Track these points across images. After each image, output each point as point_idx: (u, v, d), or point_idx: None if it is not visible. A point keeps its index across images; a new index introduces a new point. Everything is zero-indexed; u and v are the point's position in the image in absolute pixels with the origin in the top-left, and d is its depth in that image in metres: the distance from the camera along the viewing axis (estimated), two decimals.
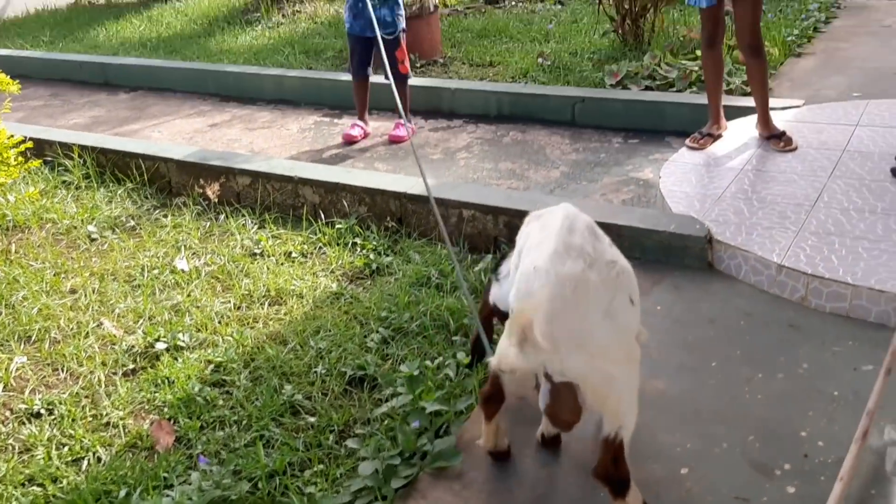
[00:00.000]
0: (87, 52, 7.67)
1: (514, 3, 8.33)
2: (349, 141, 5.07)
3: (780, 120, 4.18)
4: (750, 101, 4.51)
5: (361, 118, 5.17)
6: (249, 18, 8.18)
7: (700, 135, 4.06)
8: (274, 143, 5.24)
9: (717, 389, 2.37)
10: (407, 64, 4.98)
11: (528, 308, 1.74)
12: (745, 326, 2.68)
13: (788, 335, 2.60)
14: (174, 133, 5.57)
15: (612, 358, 1.79)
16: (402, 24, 4.91)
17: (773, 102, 4.52)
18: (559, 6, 8.04)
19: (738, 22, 3.87)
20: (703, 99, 4.69)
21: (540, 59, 6.17)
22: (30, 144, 3.94)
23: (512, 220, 3.46)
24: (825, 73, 5.24)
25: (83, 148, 4.64)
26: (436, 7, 6.54)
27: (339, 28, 7.60)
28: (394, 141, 5.04)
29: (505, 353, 1.78)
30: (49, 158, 4.69)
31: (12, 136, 3.68)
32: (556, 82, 5.59)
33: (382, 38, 4.20)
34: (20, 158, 3.76)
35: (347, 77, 5.89)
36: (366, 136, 5.15)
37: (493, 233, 3.53)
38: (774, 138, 3.91)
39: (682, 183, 3.59)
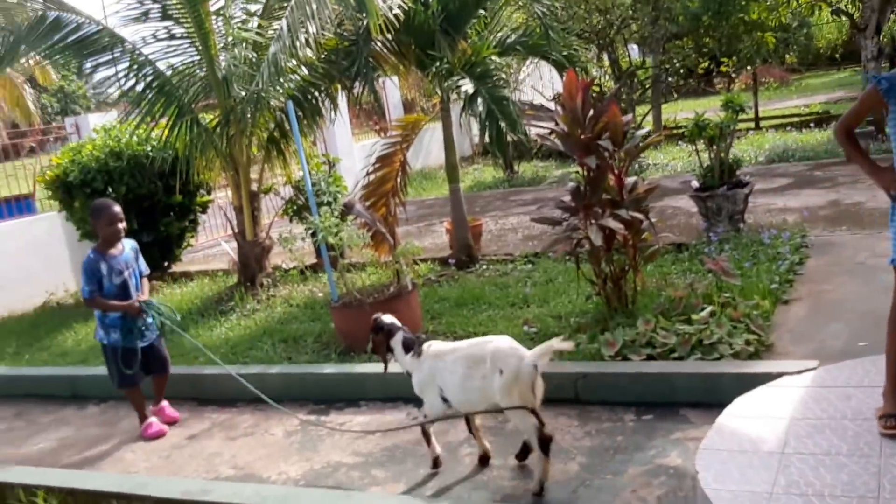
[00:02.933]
0: (54, 360, 7.37)
1: (484, 266, 8.41)
2: (158, 436, 5.39)
3: (797, 386, 3.98)
4: (755, 368, 4.35)
5: (146, 417, 5.52)
6: (223, 308, 8.07)
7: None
8: (259, 453, 4.83)
9: None
10: None
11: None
12: None
13: None
14: (149, 451, 5.14)
15: None
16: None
17: (784, 365, 4.36)
18: (530, 266, 8.12)
19: None
20: (712, 367, 4.53)
21: (525, 327, 6.04)
22: None
23: None
24: (820, 320, 5.15)
25: (49, 490, 4.19)
26: (414, 285, 6.50)
27: (316, 310, 7.49)
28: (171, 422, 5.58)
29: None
30: None
31: None
32: None
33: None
34: None
35: (331, 369, 5.67)
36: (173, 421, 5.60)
37: None
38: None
39: (724, 478, 3.26)
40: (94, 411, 6.18)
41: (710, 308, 5.17)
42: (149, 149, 9.26)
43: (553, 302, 6.63)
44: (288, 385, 5.65)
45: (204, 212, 10.37)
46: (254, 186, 8.64)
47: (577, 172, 5.90)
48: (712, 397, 4.36)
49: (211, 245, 11.61)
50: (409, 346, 4.20)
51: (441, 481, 4.10)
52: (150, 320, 5.38)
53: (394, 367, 4.39)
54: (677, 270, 6.91)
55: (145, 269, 5.55)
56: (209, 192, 10.24)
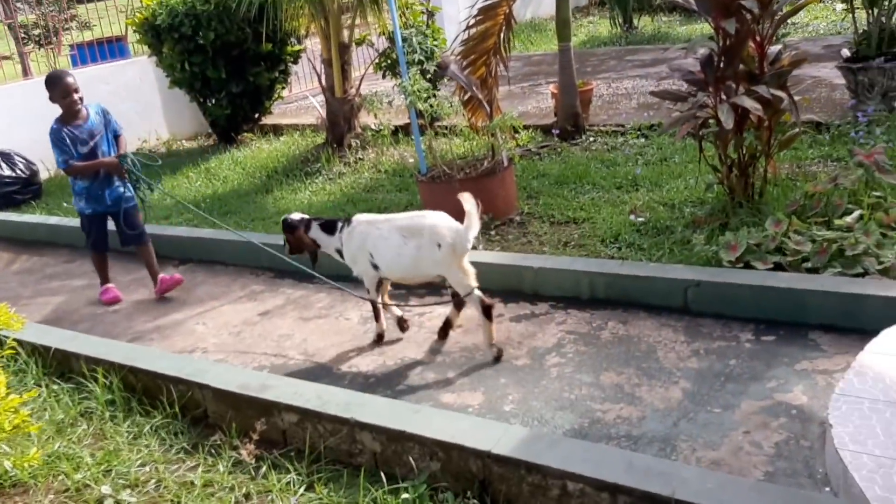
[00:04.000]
0: None
1: (591, 137, 7.63)
2: (113, 303, 5.53)
3: None
4: None
5: (107, 282, 5.66)
6: (309, 170, 7.67)
7: None
8: (331, 340, 4.51)
9: None
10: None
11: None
12: None
13: None
14: (220, 325, 4.91)
15: None
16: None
17: None
18: (643, 140, 7.30)
19: None
20: (854, 285, 3.80)
21: (632, 216, 5.38)
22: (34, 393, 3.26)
23: None
24: None
25: (111, 365, 4.00)
26: (510, 161, 5.87)
27: (405, 178, 7.01)
28: (167, 288, 5.49)
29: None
30: (73, 378, 4.08)
31: (8, 394, 3.01)
32: (656, 250, 4.76)
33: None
34: (23, 414, 3.06)
35: None
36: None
37: None
38: None
39: (866, 438, 2.66)
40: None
41: (858, 211, 4.36)
42: None
43: (667, 186, 5.89)
44: None
45: (295, 62, 9.83)
46: (345, 37, 7.98)
47: (711, 37, 4.96)
48: (851, 322, 3.70)
49: (304, 97, 11.14)
50: (330, 228, 4.33)
51: (521, 395, 3.65)
52: (119, 187, 5.41)
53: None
54: (815, 156, 6.01)
55: (119, 129, 5.49)
56: (300, 42, 9.66)
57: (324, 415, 3.28)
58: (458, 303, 4.07)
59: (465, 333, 4.32)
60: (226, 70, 8.88)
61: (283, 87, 10.02)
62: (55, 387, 4.04)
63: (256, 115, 9.84)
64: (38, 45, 16.42)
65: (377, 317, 4.35)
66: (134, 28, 9.30)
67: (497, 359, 3.98)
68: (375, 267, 4.14)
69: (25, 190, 8.24)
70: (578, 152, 7.20)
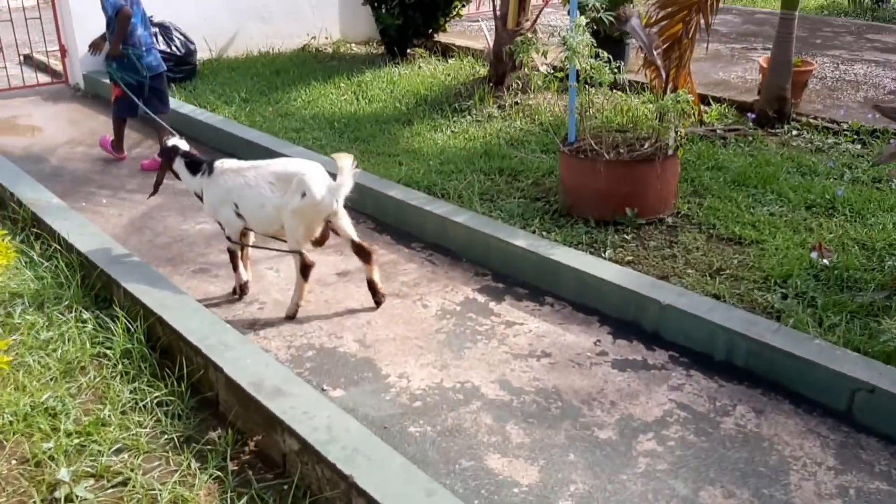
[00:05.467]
0: (273, 121, 6.77)
1: (794, 130, 6.26)
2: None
3: None
4: None
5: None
6: (458, 106, 6.84)
7: None
8: (396, 330, 3.80)
9: None
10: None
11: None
12: None
13: None
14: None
15: None
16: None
17: None
18: (859, 146, 5.87)
19: None
20: None
21: (814, 254, 4.19)
22: None
23: None
24: None
25: (142, 307, 3.52)
26: (676, 149, 4.76)
27: (559, 135, 6.03)
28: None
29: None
30: (106, 309, 3.65)
31: None
32: (833, 314, 3.60)
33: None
34: None
35: (522, 241, 4.34)
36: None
37: None
38: None
39: None
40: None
41: None
42: None
43: (871, 220, 4.61)
44: (470, 242, 4.45)
45: None
46: None
47: None
48: None
49: (476, 19, 10.19)
50: (195, 167, 4.03)
51: (588, 486, 2.78)
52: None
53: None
54: None
55: (116, 6, 5.60)
56: None
57: (323, 458, 2.59)
58: (364, 256, 3.91)
59: (549, 369, 3.46)
60: None
61: (464, 5, 9.14)
62: (87, 314, 3.62)
63: (430, 31, 9.07)
64: None
65: (235, 267, 4.10)
66: None
67: (290, 317, 3.91)
68: (240, 216, 3.90)
69: (178, 69, 7.94)
70: (773, 146, 5.90)
